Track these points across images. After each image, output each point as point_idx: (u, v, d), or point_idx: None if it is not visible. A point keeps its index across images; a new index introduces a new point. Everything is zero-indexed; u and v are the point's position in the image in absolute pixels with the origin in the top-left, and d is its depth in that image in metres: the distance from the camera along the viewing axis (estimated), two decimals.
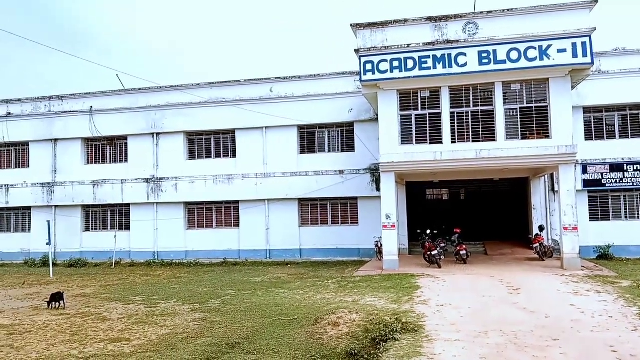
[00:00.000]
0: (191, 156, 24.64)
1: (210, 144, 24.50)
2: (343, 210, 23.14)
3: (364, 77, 17.37)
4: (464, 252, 18.13)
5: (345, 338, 8.54)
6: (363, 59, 17.32)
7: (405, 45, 17.03)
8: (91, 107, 25.08)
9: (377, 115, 19.49)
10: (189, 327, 9.85)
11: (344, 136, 23.18)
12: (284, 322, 9.90)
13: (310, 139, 23.45)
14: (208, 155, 24.48)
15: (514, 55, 16.30)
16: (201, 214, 24.52)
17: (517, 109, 17.00)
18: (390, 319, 9.30)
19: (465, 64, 16.67)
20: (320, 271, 18.55)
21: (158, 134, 24.52)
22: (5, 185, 26.14)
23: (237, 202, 23.87)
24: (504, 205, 26.61)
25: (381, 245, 18.68)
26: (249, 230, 23.53)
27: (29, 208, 26.17)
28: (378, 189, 21.04)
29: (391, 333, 8.28)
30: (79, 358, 7.99)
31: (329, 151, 23.28)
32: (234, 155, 24.03)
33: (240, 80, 23.69)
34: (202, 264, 21.93)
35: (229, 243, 23.65)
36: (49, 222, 21.12)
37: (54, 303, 12.30)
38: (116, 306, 12.48)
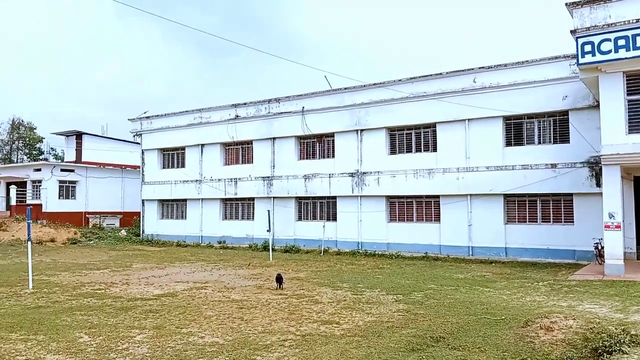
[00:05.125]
0: (392, 151, 25.15)
1: (411, 138, 24.68)
2: (555, 207, 21.23)
3: (581, 60, 15.64)
4: None
5: (560, 345, 7.89)
6: (580, 40, 15.60)
7: (634, 21, 14.83)
8: (303, 107, 27.31)
9: (597, 101, 17.48)
10: (394, 317, 10.14)
11: (556, 126, 21.20)
12: (490, 321, 9.55)
13: (517, 130, 22.01)
14: (409, 150, 24.69)
15: None
16: (402, 207, 24.90)
17: None
18: (616, 329, 8.28)
19: None
20: (528, 272, 17.40)
21: (362, 130, 25.58)
22: (234, 179, 30.10)
23: (437, 196, 23.64)
24: None
25: (602, 247, 16.70)
26: (450, 225, 23.12)
27: (252, 199, 29.70)
28: (598, 185, 18.84)
29: (617, 345, 7.37)
30: (296, 335, 8.82)
31: (539, 143, 21.54)
32: (434, 149, 23.82)
33: (441, 73, 23.34)
34: (403, 257, 22.29)
35: (429, 237, 23.57)
36: (268, 211, 23.78)
37: (279, 284, 13.79)
38: (326, 291, 13.45)
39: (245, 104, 29.80)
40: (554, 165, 20.62)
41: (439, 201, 23.63)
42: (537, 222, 21.51)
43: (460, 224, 22.77)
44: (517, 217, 21.96)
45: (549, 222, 21.27)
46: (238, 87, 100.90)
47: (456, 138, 22.96)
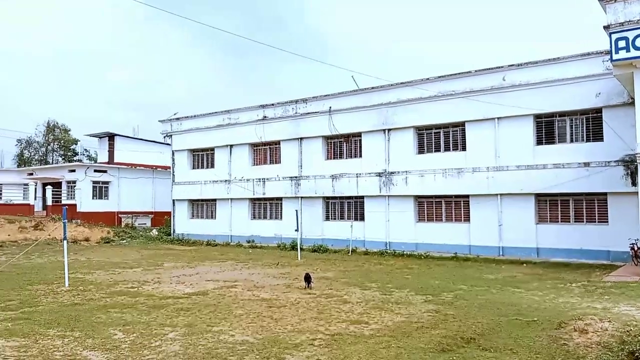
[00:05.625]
0: (420, 150, 24.98)
1: (440, 137, 24.46)
2: (588, 207, 20.75)
3: (615, 56, 15.28)
4: None
5: (595, 347, 7.74)
6: (614, 36, 15.23)
7: None
8: (330, 107, 27.35)
9: (632, 98, 17.02)
10: (423, 317, 10.09)
11: (589, 124, 20.74)
12: (521, 323, 9.43)
13: (548, 128, 21.59)
14: (437, 149, 24.48)
15: None
16: (430, 207, 24.70)
17: None
18: None
19: None
20: (560, 272, 17.07)
21: (389, 129, 25.47)
22: (262, 179, 30.36)
23: (467, 196, 23.37)
24: None
25: (638, 248, 16.30)
26: (479, 225, 22.82)
27: (280, 199, 29.89)
28: (634, 184, 18.37)
29: None
30: (325, 334, 8.86)
31: (571, 141, 21.10)
32: (463, 149, 23.57)
33: (470, 71, 23.09)
34: (433, 257, 22.12)
35: (459, 238, 23.31)
36: (296, 211, 23.90)
37: (307, 283, 13.87)
38: (354, 290, 13.46)
39: (272, 104, 30.00)
40: (587, 164, 20.17)
41: (468, 201, 23.36)
42: (569, 222, 21.07)
43: (491, 224, 22.47)
44: (548, 217, 21.55)
45: (582, 222, 20.80)
46: (263, 88, 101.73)
47: (486, 137, 22.66)
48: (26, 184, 39.09)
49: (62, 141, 68.91)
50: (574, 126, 21.15)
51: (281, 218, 29.80)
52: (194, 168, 34.78)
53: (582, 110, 20.63)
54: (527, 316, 9.95)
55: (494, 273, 17.05)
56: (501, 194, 22.20)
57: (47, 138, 68.07)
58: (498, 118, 22.27)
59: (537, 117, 21.63)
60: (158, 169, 43.27)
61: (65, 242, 14.95)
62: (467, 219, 23.39)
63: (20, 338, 8.62)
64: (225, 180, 32.13)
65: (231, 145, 32.09)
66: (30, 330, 9.16)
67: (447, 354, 7.64)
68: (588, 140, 20.70)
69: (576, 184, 20.33)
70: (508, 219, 22.08)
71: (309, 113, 28.31)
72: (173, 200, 35.32)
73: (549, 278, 15.72)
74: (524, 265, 19.42)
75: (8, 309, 11.03)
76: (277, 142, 30.21)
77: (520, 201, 21.83)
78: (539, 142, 21.68)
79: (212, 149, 33.39)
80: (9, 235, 29.16)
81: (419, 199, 24.97)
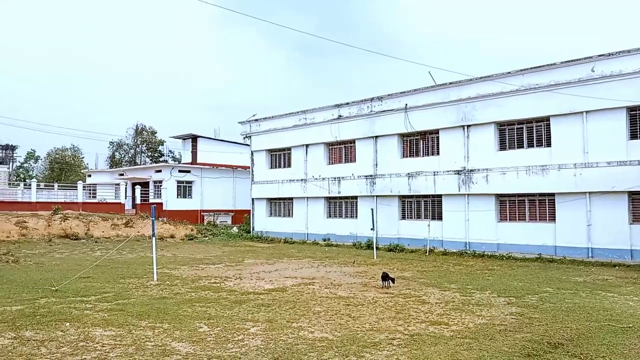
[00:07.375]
0: (502, 147, 24.07)
1: (522, 133, 23.45)
2: None
3: None
4: None
5: None
6: None
7: None
8: (406, 104, 27.00)
9: None
10: (506, 320, 9.74)
11: None
12: (615, 329, 8.86)
13: None
14: (520, 146, 23.48)
15: None
16: (513, 206, 23.74)
17: None
18: None
19: None
20: None
21: (468, 126, 24.76)
22: (337, 178, 30.54)
23: (552, 194, 22.25)
24: None
25: None
26: (566, 225, 21.65)
27: (355, 197, 29.92)
28: None
29: None
30: (404, 334, 8.77)
31: None
32: (548, 145, 22.45)
33: (555, 63, 21.93)
34: (515, 258, 21.26)
35: (543, 238, 22.25)
36: (372, 210, 23.81)
37: (384, 282, 13.80)
38: (433, 291, 13.23)
39: (347, 103, 30.08)
40: None
41: (554, 199, 22.23)
42: None
43: (578, 224, 21.25)
44: None
45: None
46: (338, 86, 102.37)
47: (572, 132, 21.46)
48: (117, 184, 41.74)
49: (149, 143, 73.01)
50: None
51: (356, 217, 29.83)
52: (271, 167, 35.62)
53: None
54: (621, 322, 9.34)
55: (582, 276, 16.13)
56: (590, 192, 20.94)
57: (136, 140, 72.39)
58: (586, 112, 21.02)
59: (631, 109, 20.20)
60: (238, 169, 44.70)
61: (154, 238, 15.79)
62: (553, 218, 22.27)
63: (115, 328, 9.21)
64: (302, 179, 32.63)
65: (307, 145, 32.54)
66: (124, 321, 9.76)
67: (532, 358, 7.33)
68: None
69: None
70: (598, 218, 20.79)
71: (384, 111, 28.11)
72: (252, 198, 36.36)
73: None
74: (616, 268, 18.23)
75: (104, 300, 11.84)
76: (352, 141, 30.26)
77: (612, 199, 20.48)
78: (633, 136, 20.23)
79: (289, 149, 34.03)
80: (102, 232, 31.29)
81: (501, 198, 24.08)
